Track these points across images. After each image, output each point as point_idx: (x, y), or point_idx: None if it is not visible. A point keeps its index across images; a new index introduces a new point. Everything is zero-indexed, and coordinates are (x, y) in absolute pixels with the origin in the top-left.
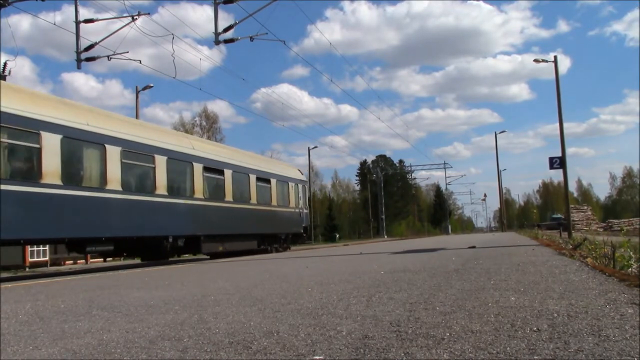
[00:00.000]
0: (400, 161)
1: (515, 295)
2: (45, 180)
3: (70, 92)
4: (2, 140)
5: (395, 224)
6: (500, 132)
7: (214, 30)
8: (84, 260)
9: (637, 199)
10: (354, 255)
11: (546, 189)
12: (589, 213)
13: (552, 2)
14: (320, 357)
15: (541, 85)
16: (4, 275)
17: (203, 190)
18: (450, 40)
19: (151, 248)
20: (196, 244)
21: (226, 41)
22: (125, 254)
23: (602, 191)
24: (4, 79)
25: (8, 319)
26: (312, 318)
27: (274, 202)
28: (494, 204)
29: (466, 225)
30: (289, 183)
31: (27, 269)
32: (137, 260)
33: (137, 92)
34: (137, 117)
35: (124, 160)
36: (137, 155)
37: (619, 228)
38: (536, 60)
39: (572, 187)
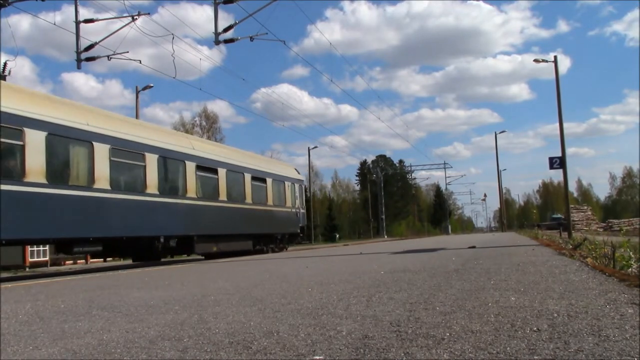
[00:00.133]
0: (400, 161)
1: (516, 295)
2: (29, 178)
3: (70, 92)
4: None
5: (395, 224)
6: (500, 132)
7: (214, 30)
8: (84, 260)
9: (637, 199)
10: (354, 255)
11: (546, 189)
12: (589, 213)
13: (552, 2)
14: (320, 357)
15: (541, 85)
16: (4, 275)
17: (196, 190)
18: (450, 40)
19: (142, 249)
20: (189, 245)
21: (226, 41)
22: (115, 255)
23: (602, 191)
24: (4, 79)
25: (8, 319)
26: (312, 318)
27: (270, 202)
28: (494, 204)
29: (466, 225)
30: (285, 182)
31: (27, 269)
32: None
33: (137, 92)
34: (137, 117)
35: (112, 159)
36: (127, 153)
37: (618, 228)
38: (536, 60)
39: (572, 187)
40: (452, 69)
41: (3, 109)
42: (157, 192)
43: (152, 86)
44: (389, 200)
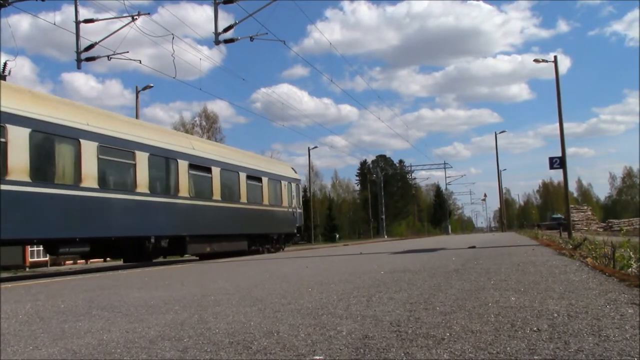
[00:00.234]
0: (400, 161)
1: (516, 295)
2: (12, 176)
3: (70, 92)
4: None
5: (395, 224)
6: (500, 132)
7: (214, 30)
8: (84, 261)
9: (637, 199)
10: (354, 255)
11: (546, 189)
12: (589, 213)
13: (552, 2)
14: (320, 357)
15: (541, 85)
16: (4, 275)
17: (188, 189)
18: (450, 40)
19: (132, 249)
20: (181, 245)
21: (226, 41)
22: (104, 255)
23: (602, 191)
24: (4, 79)
25: (8, 319)
26: (312, 318)
27: (266, 201)
28: (494, 204)
29: (466, 225)
30: (282, 181)
31: (27, 269)
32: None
33: (137, 92)
34: (137, 117)
35: (101, 156)
36: (116, 151)
37: (618, 228)
38: (536, 60)
39: (572, 187)
40: (452, 69)
41: None
42: (148, 191)
43: (152, 86)
44: (389, 200)
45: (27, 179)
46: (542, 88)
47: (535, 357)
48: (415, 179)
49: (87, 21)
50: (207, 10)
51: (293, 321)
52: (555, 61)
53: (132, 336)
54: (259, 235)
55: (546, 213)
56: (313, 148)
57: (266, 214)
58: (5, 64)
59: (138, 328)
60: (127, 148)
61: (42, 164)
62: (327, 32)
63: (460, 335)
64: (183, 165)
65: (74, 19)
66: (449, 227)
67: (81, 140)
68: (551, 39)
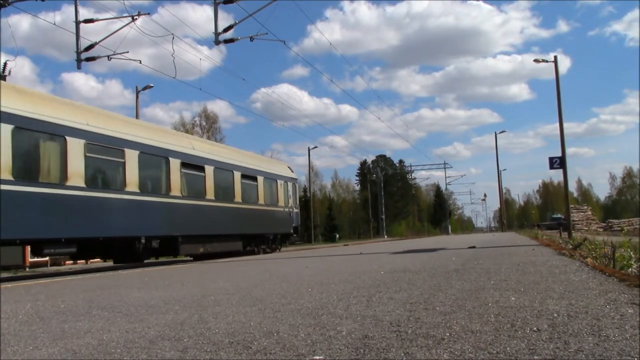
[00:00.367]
0: (400, 161)
1: (516, 295)
2: None
3: (70, 92)
4: None
5: (395, 224)
6: (500, 132)
7: (214, 30)
8: (84, 261)
9: (637, 199)
10: (354, 255)
11: (546, 189)
12: (589, 213)
13: (552, 2)
14: (320, 357)
15: (541, 85)
16: (4, 275)
17: (181, 188)
18: (450, 40)
19: (122, 250)
20: (173, 246)
21: (226, 41)
22: (93, 256)
23: (602, 191)
24: (4, 79)
25: (8, 319)
26: (312, 318)
27: (261, 201)
28: (494, 204)
29: (466, 225)
30: (278, 181)
31: (27, 269)
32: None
33: (137, 92)
34: (137, 117)
35: (88, 154)
36: (104, 148)
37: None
38: (536, 60)
39: (572, 187)
40: (452, 69)
41: None
42: (138, 190)
43: (152, 86)
44: (389, 200)
45: (9, 177)
46: (542, 88)
47: (535, 357)
48: (415, 179)
49: (87, 21)
50: (207, 10)
51: (293, 321)
52: (555, 61)
53: (132, 336)
54: (254, 236)
55: (546, 213)
56: (313, 148)
57: (261, 214)
58: (5, 64)
59: (138, 328)
60: (116, 146)
61: (26, 162)
62: (327, 32)
63: (460, 335)
64: (175, 163)
65: (74, 19)
66: (449, 227)
67: (67, 138)
68: (551, 39)
